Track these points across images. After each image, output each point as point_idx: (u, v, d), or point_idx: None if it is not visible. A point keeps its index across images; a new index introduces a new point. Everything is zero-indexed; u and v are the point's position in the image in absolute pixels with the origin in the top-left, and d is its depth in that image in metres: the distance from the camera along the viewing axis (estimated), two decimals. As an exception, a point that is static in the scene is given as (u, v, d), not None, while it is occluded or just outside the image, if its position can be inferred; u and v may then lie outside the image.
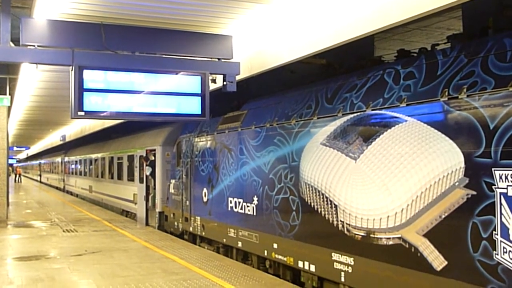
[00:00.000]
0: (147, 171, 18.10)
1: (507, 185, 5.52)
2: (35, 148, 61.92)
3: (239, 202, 11.39)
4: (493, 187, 5.67)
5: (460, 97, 6.19)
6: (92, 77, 8.61)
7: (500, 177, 5.59)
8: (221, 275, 9.75)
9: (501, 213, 5.58)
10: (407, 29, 11.50)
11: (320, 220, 8.52)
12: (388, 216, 7.11)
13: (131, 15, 8.87)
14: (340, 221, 8.05)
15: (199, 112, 9.31)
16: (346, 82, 8.70)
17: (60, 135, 35.11)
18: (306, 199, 8.97)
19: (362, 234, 7.59)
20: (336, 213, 8.15)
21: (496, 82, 5.84)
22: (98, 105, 8.67)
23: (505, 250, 5.54)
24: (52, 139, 42.27)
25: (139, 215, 19.17)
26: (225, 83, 9.70)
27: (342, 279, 8.05)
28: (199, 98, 9.27)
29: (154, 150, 17.88)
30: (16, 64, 13.88)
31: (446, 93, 6.40)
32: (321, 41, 8.13)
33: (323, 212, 8.48)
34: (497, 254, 5.62)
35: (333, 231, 8.20)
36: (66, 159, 40.99)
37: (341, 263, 8.08)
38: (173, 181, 15.97)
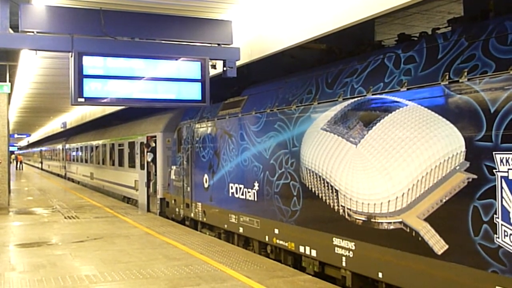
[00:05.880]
0: (148, 157, 18.11)
1: (508, 169, 5.51)
2: (36, 135, 61.95)
3: (240, 188, 11.40)
4: (494, 170, 5.67)
5: (460, 80, 6.17)
6: (91, 63, 8.58)
7: (501, 161, 5.58)
8: (223, 261, 9.78)
9: (502, 197, 5.58)
10: (407, 13, 11.43)
11: (321, 205, 8.53)
12: (389, 201, 7.12)
13: (130, 0, 8.81)
14: (341, 206, 8.06)
15: (199, 98, 9.31)
16: (347, 66, 8.67)
17: (60, 122, 35.12)
18: (307, 184, 8.97)
19: (363, 218, 7.60)
20: (337, 198, 8.16)
21: (497, 65, 5.81)
22: (98, 91, 8.65)
23: (506, 234, 5.55)
24: (52, 126, 42.29)
25: (141, 201, 19.22)
26: (225, 68, 9.67)
27: (343, 264, 8.08)
28: (199, 83, 9.25)
29: (155, 136, 17.87)
30: (16, 50, 13.85)
31: (447, 77, 6.37)
32: (321, 25, 8.08)
33: (324, 197, 8.49)
34: (498, 238, 5.63)
35: (334, 216, 8.21)
36: (67, 146, 41.00)
37: (342, 247, 8.10)
38: (174, 167, 15.98)
